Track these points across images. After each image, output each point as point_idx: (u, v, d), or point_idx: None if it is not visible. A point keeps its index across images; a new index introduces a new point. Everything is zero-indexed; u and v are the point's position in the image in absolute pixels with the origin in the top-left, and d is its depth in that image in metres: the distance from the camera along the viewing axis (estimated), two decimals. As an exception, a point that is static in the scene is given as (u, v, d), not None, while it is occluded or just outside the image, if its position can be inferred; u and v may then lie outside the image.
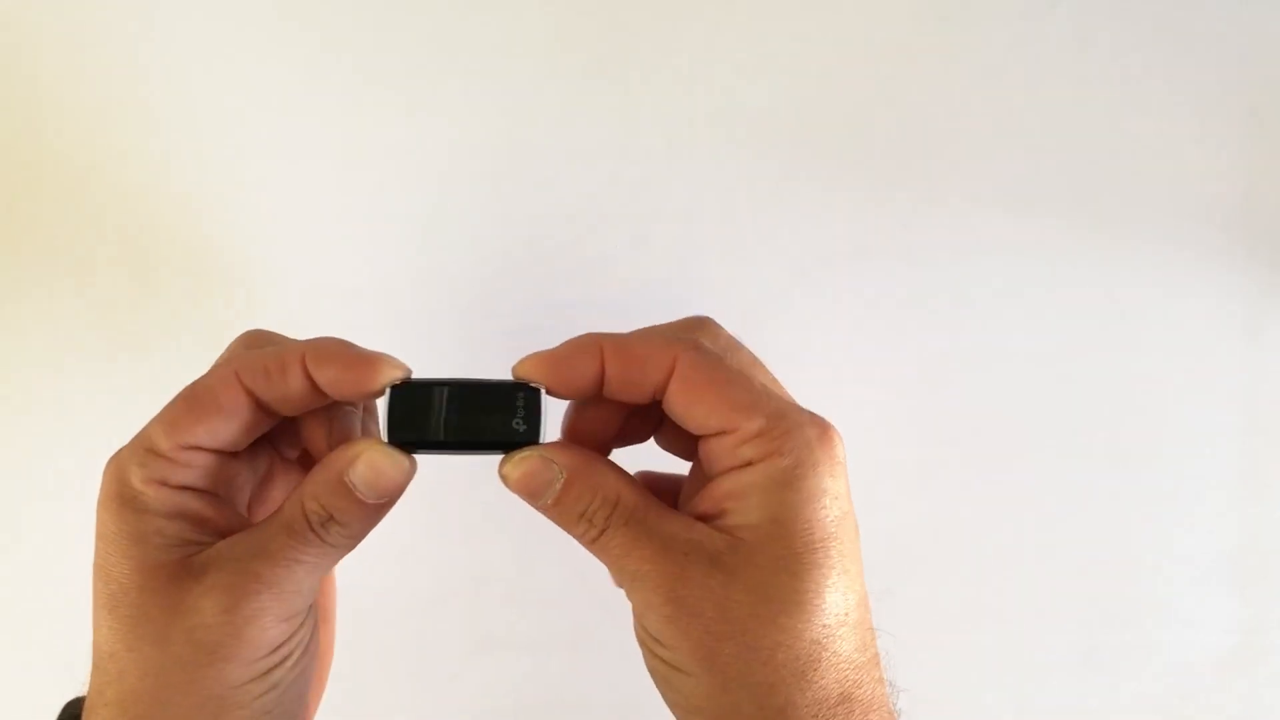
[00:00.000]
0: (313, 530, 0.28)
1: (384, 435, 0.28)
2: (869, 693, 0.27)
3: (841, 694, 0.26)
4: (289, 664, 0.28)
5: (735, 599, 0.26)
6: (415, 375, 0.28)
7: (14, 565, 0.45)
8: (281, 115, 0.44)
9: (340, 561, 0.30)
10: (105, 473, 0.27)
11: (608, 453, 0.31)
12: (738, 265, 0.45)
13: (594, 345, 0.28)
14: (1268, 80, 0.46)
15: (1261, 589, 0.48)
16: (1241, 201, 0.46)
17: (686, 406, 0.28)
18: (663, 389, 0.28)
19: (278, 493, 0.32)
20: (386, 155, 0.44)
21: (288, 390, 0.28)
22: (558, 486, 0.28)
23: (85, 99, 0.43)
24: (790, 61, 0.45)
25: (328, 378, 0.27)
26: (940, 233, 0.46)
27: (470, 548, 0.46)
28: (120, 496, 0.27)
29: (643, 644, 0.28)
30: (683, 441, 0.32)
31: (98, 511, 0.27)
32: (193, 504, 0.27)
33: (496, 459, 0.29)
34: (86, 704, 0.28)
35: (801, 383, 0.46)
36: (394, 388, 0.28)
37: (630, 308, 0.45)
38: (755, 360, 0.30)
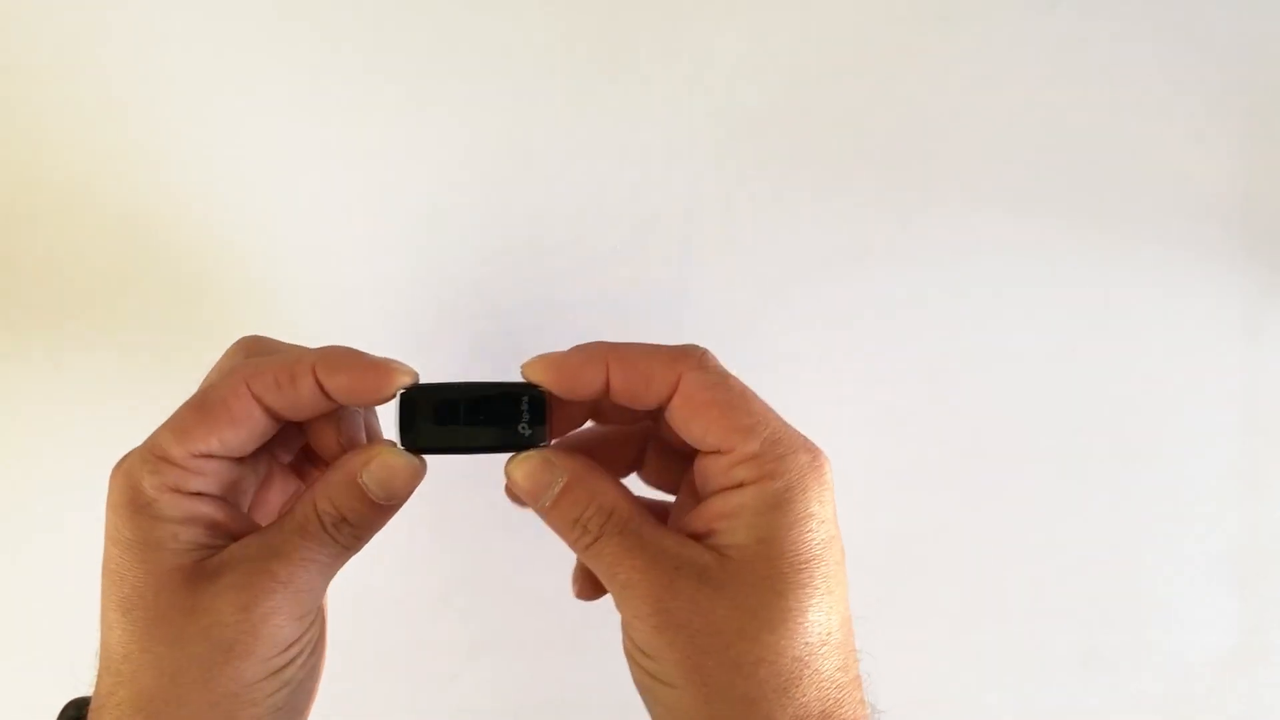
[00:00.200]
0: (325, 530, 0.28)
1: (395, 438, 0.29)
2: (850, 713, 0.27)
3: (822, 711, 0.27)
4: (300, 661, 0.29)
5: (721, 614, 0.27)
6: (422, 378, 0.29)
7: (15, 567, 0.45)
8: (281, 116, 0.44)
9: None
10: (115, 478, 0.28)
11: None
12: (737, 265, 0.45)
13: (601, 354, 0.29)
14: (1268, 80, 0.46)
15: (1261, 589, 0.48)
16: (1241, 201, 0.46)
17: (687, 421, 0.28)
18: (665, 402, 0.29)
19: (275, 495, 0.33)
20: (386, 155, 0.44)
21: (298, 398, 0.28)
22: (556, 489, 0.29)
23: (85, 98, 0.43)
24: (790, 61, 0.45)
25: (339, 385, 0.28)
26: (940, 233, 0.46)
27: (469, 548, 0.46)
28: (133, 503, 0.27)
29: (629, 656, 0.28)
30: (668, 475, 0.34)
31: (109, 517, 0.28)
32: (205, 509, 0.28)
33: (499, 460, 0.29)
34: (94, 704, 0.28)
35: (801, 383, 0.46)
36: (404, 393, 0.29)
37: (630, 308, 0.45)
38: (748, 388, 0.30)
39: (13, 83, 0.43)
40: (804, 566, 0.27)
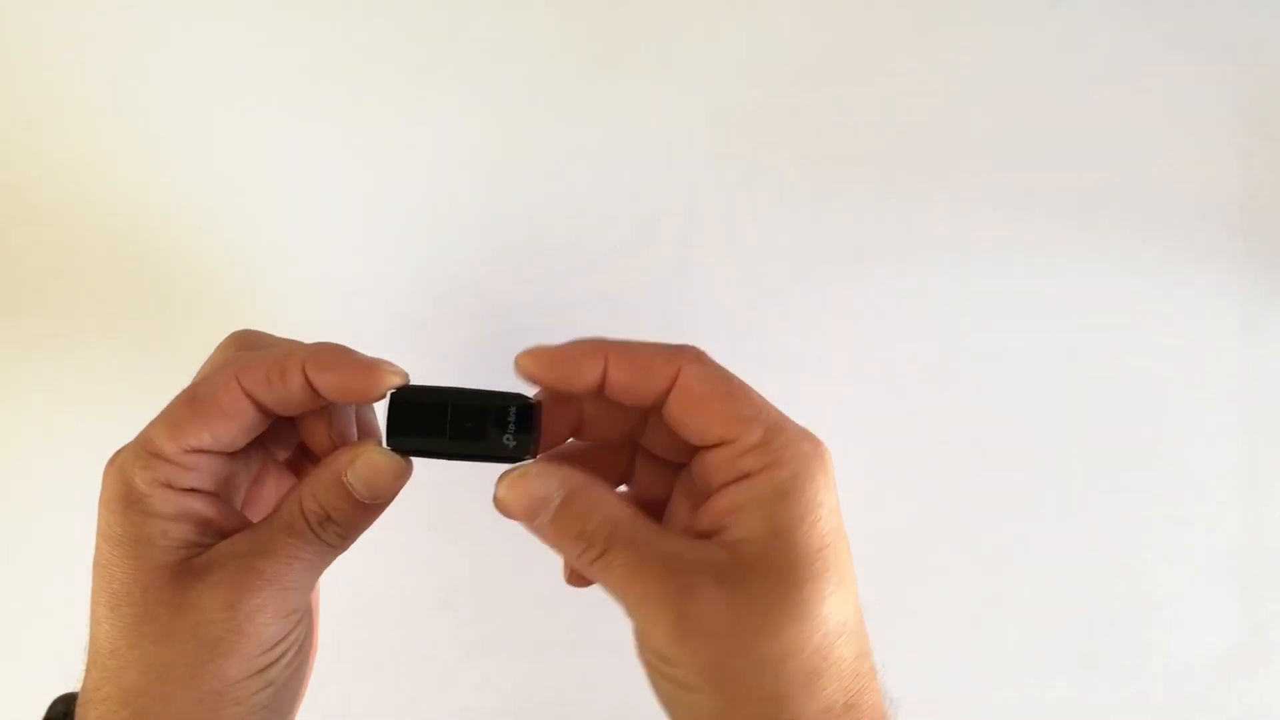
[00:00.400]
0: (311, 529, 0.28)
1: (383, 439, 0.29)
2: (871, 701, 0.27)
3: (845, 703, 0.27)
4: (285, 661, 0.29)
5: (742, 613, 0.26)
6: (416, 380, 0.29)
7: (14, 566, 0.45)
8: (280, 116, 0.44)
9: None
10: (107, 474, 0.28)
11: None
12: (737, 265, 0.45)
13: (599, 347, 0.29)
14: (1267, 80, 0.46)
15: (1261, 589, 0.48)
16: (1241, 201, 0.46)
17: (688, 414, 0.28)
18: (663, 396, 0.28)
19: (269, 492, 0.33)
20: (385, 155, 0.44)
21: (288, 395, 0.28)
22: (555, 504, 0.28)
23: (84, 98, 0.43)
24: (790, 61, 0.45)
25: (328, 384, 0.28)
26: (940, 232, 0.46)
27: (470, 548, 0.46)
28: (125, 499, 0.27)
29: (647, 664, 0.28)
30: (658, 487, 0.32)
31: (101, 512, 0.28)
32: (196, 505, 0.28)
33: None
34: (81, 699, 0.28)
35: (801, 383, 0.46)
36: (394, 394, 0.29)
37: (630, 308, 0.45)
38: (745, 382, 0.30)
39: (12, 81, 0.43)
40: (817, 556, 0.27)
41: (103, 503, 0.28)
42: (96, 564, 0.28)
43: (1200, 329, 0.47)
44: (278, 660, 0.28)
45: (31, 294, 0.44)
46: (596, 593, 0.32)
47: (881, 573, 0.47)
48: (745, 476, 0.27)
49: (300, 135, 0.44)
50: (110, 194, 0.43)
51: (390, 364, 0.29)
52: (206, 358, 0.32)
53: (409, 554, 0.45)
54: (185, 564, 0.28)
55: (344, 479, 0.28)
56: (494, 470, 0.29)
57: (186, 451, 0.28)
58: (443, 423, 0.29)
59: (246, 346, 0.31)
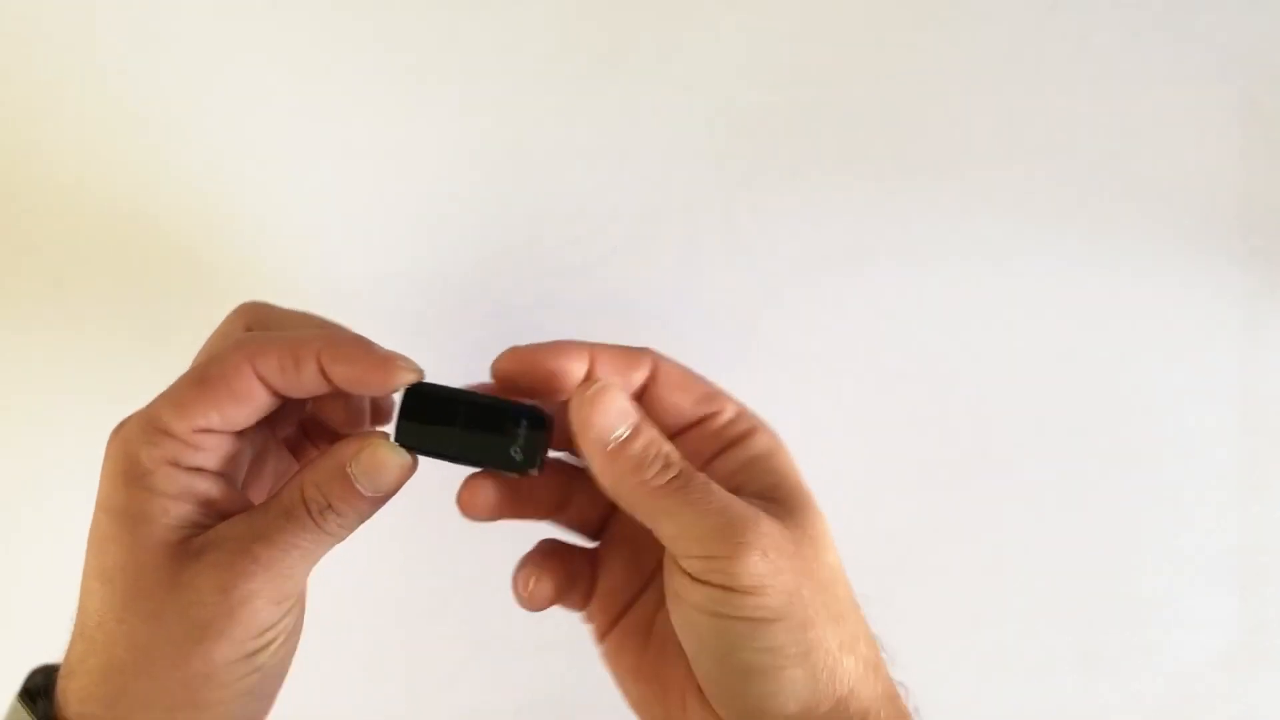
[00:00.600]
0: (311, 517, 0.28)
1: (392, 430, 0.29)
2: (872, 632, 0.31)
3: (866, 629, 0.30)
4: (273, 647, 0.29)
5: (800, 541, 0.28)
6: (429, 378, 0.29)
7: (13, 563, 0.45)
8: (279, 115, 0.44)
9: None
10: (112, 444, 0.28)
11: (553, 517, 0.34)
12: (738, 265, 0.45)
13: (581, 345, 0.30)
14: (1267, 78, 0.46)
15: (1261, 589, 0.48)
16: (1241, 200, 0.46)
17: (673, 395, 0.31)
18: (644, 386, 0.31)
19: (268, 470, 0.33)
20: (384, 155, 0.44)
21: (301, 382, 0.28)
22: (633, 422, 0.29)
23: (83, 97, 0.43)
24: (790, 61, 0.45)
25: (342, 375, 0.28)
26: (940, 233, 0.46)
27: (470, 548, 0.46)
28: (128, 473, 0.27)
29: (713, 606, 0.28)
30: (592, 517, 0.34)
31: (103, 483, 0.28)
32: (201, 485, 0.28)
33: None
34: (64, 670, 0.28)
35: (801, 383, 0.46)
36: (407, 390, 0.29)
37: (630, 307, 0.45)
38: None
39: (11, 80, 0.43)
40: (810, 497, 0.30)
41: (105, 474, 0.28)
42: (93, 535, 0.28)
43: (1200, 329, 0.47)
44: (266, 646, 0.28)
45: (33, 295, 0.44)
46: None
47: (881, 572, 0.47)
48: (737, 441, 0.31)
49: (300, 135, 0.44)
50: (113, 191, 0.43)
51: (406, 359, 0.29)
52: (215, 329, 0.32)
53: (409, 554, 0.45)
54: (183, 543, 0.27)
55: (348, 470, 0.28)
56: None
57: (195, 431, 0.27)
58: (452, 424, 0.29)
59: (257, 321, 0.31)
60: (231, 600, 0.27)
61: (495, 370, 0.30)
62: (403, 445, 0.29)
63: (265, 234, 0.44)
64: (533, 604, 0.32)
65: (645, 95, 0.44)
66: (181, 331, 0.34)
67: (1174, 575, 0.48)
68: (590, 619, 0.35)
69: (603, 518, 0.34)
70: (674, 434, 0.31)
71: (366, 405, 0.32)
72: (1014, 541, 0.47)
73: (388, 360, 0.28)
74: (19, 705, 0.28)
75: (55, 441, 0.44)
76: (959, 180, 0.45)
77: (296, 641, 0.30)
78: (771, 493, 0.30)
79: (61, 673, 0.28)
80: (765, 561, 0.27)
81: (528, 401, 0.30)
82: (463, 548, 0.46)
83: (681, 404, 0.31)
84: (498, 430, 0.29)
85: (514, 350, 0.30)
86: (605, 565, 0.34)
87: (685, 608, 0.29)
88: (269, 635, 0.28)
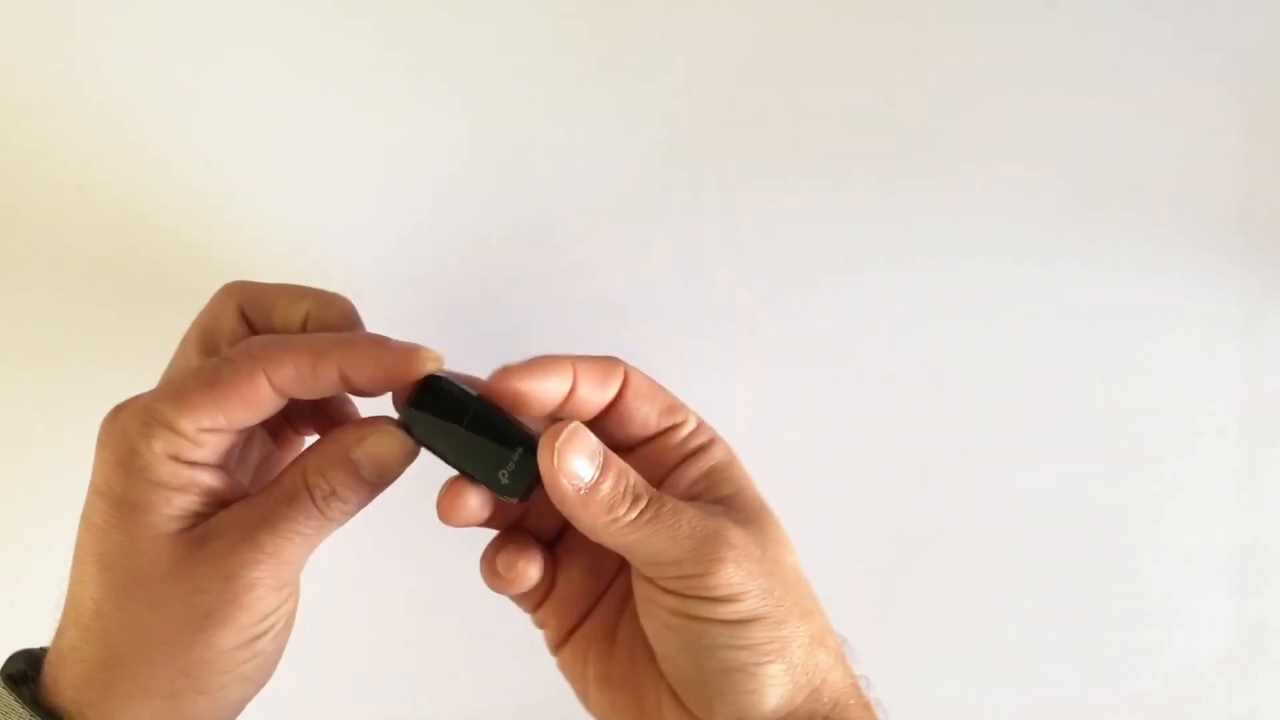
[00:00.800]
0: (314, 504, 0.28)
1: (398, 412, 0.29)
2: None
3: (826, 619, 0.31)
4: (273, 633, 0.29)
5: (765, 545, 0.30)
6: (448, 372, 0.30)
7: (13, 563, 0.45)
8: (278, 115, 0.44)
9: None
10: (109, 433, 0.27)
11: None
12: (738, 265, 0.45)
13: (564, 359, 0.30)
14: (1267, 79, 0.46)
15: (1261, 589, 0.48)
16: (1241, 200, 0.46)
17: (641, 404, 0.31)
18: (616, 396, 0.31)
19: (253, 453, 0.33)
20: (384, 155, 0.44)
21: (316, 388, 0.28)
22: (599, 462, 0.29)
23: (82, 96, 0.43)
24: (790, 61, 0.45)
25: (366, 378, 0.29)
26: (940, 233, 0.46)
27: (470, 547, 0.46)
28: (129, 463, 0.27)
29: (695, 613, 0.29)
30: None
31: (100, 470, 0.27)
32: (202, 478, 0.28)
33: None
34: (53, 655, 0.28)
35: (801, 383, 0.46)
36: (426, 379, 0.29)
37: (630, 308, 0.45)
38: None
39: (10, 80, 0.43)
40: (765, 503, 0.32)
41: (104, 462, 0.27)
42: (89, 521, 0.28)
43: (1200, 329, 0.47)
44: (267, 632, 0.29)
45: (34, 295, 0.44)
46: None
47: (881, 572, 0.47)
48: (697, 452, 0.32)
49: (299, 135, 0.44)
50: (108, 193, 0.43)
51: (426, 349, 0.29)
52: (204, 308, 0.32)
53: (409, 554, 0.45)
54: (185, 532, 0.28)
55: (351, 456, 0.29)
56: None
57: (200, 430, 0.27)
58: (458, 424, 0.29)
59: (249, 301, 0.31)
60: (235, 588, 0.27)
61: (488, 391, 0.30)
62: (407, 425, 0.29)
63: (265, 234, 0.44)
64: (516, 584, 0.33)
65: (645, 95, 0.44)
66: (181, 331, 0.34)
67: (1174, 575, 0.48)
68: (544, 624, 0.35)
69: (560, 524, 0.34)
70: (639, 443, 0.32)
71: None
72: (1014, 541, 0.47)
73: (410, 354, 0.29)
74: (2, 690, 0.28)
75: (52, 441, 0.44)
76: (959, 180, 0.45)
77: (291, 627, 0.31)
78: (731, 501, 0.31)
79: (50, 658, 0.28)
80: (739, 570, 0.28)
81: (532, 431, 0.30)
82: (463, 548, 0.46)
83: (649, 415, 0.32)
84: (495, 448, 0.29)
85: (505, 370, 0.29)
86: (562, 570, 0.34)
87: (661, 613, 0.29)
88: (270, 621, 0.28)
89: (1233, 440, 0.47)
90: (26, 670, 0.29)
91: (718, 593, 0.28)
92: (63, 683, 0.28)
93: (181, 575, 0.27)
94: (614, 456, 0.29)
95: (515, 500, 0.30)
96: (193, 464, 0.28)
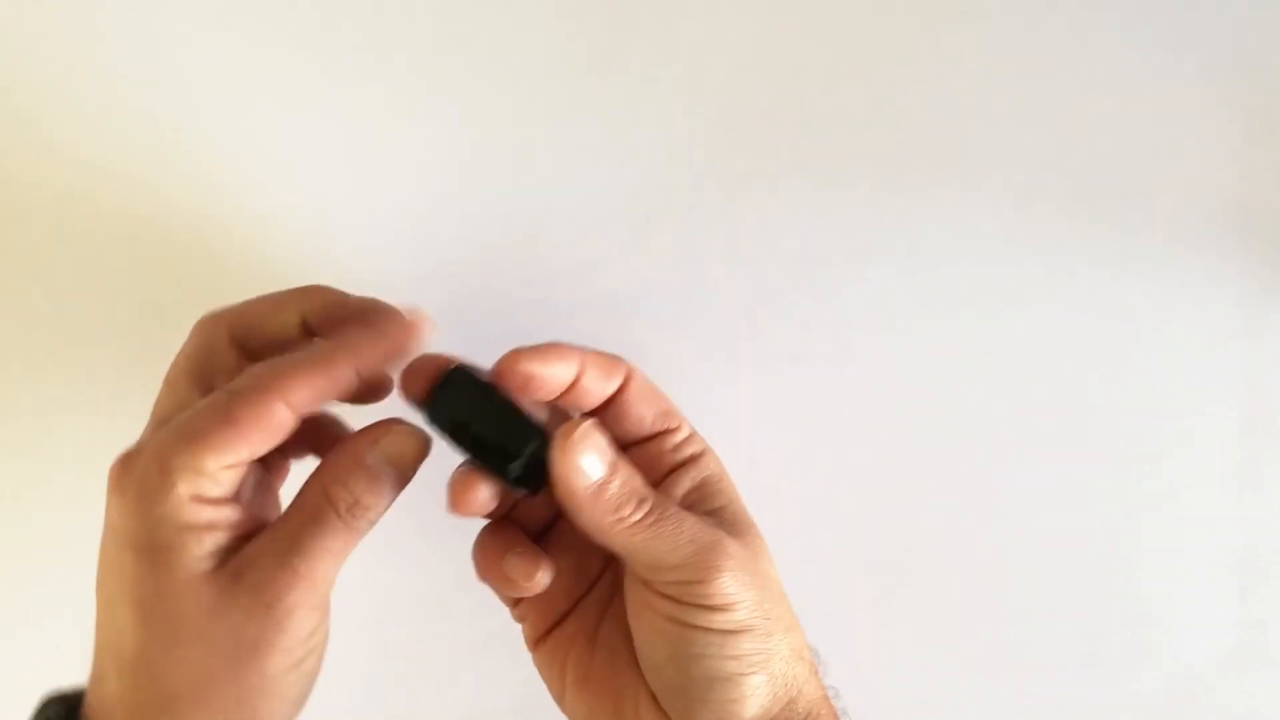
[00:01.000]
0: (340, 517, 0.29)
1: (409, 399, 0.30)
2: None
3: (803, 633, 0.32)
4: (318, 652, 0.29)
5: (757, 557, 0.30)
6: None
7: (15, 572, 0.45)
8: (277, 116, 0.44)
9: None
10: (128, 482, 0.27)
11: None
12: (738, 265, 0.45)
13: (573, 349, 0.31)
14: (1268, 80, 0.46)
15: (1262, 589, 0.48)
16: (1241, 201, 0.46)
17: (640, 404, 0.32)
18: (618, 392, 0.32)
19: (250, 479, 0.33)
20: (383, 155, 0.44)
21: (336, 395, 0.29)
22: (609, 461, 0.29)
23: (82, 97, 0.43)
24: (790, 60, 0.45)
25: (377, 366, 0.30)
26: (940, 233, 0.46)
27: (470, 548, 0.46)
28: (156, 511, 0.27)
29: (693, 620, 0.29)
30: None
31: (123, 521, 0.27)
32: (225, 513, 0.28)
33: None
34: (97, 706, 0.28)
35: (802, 383, 0.46)
36: (453, 369, 0.29)
37: (630, 308, 0.45)
38: None
39: (11, 80, 0.43)
40: (751, 517, 0.33)
41: (125, 512, 0.27)
42: (117, 572, 0.27)
43: (1200, 329, 0.47)
44: (312, 652, 0.29)
45: (33, 295, 0.44)
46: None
47: (881, 573, 0.47)
48: (690, 462, 0.32)
49: (298, 135, 0.44)
50: (108, 194, 0.43)
51: (419, 311, 0.31)
52: (186, 343, 0.32)
53: (409, 554, 0.45)
54: (219, 569, 0.28)
55: (368, 461, 0.29)
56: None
57: (224, 468, 0.27)
58: (475, 415, 0.29)
59: (239, 328, 0.31)
60: (277, 613, 0.27)
61: (496, 373, 0.30)
62: (432, 421, 0.29)
63: (264, 235, 0.44)
64: (530, 589, 0.33)
65: (645, 95, 0.44)
66: (182, 334, 0.34)
67: (1174, 575, 0.48)
68: (523, 619, 0.35)
69: (549, 521, 0.35)
70: (633, 443, 0.33)
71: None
72: (1014, 541, 0.47)
73: (404, 325, 0.30)
74: None
75: (52, 447, 0.44)
76: (959, 180, 0.45)
77: (327, 643, 0.31)
78: (722, 514, 0.32)
79: (93, 708, 0.28)
80: (734, 580, 0.29)
81: (545, 426, 0.30)
82: (463, 547, 0.46)
83: (645, 416, 0.32)
84: (512, 440, 0.29)
85: (517, 352, 0.30)
86: None
87: (654, 618, 0.30)
88: (313, 640, 0.29)
89: (1233, 440, 0.47)
90: (65, 714, 0.29)
91: (713, 601, 0.29)
92: None
93: (224, 611, 0.27)
94: (624, 458, 0.30)
95: (526, 493, 0.30)
96: (215, 501, 0.28)
